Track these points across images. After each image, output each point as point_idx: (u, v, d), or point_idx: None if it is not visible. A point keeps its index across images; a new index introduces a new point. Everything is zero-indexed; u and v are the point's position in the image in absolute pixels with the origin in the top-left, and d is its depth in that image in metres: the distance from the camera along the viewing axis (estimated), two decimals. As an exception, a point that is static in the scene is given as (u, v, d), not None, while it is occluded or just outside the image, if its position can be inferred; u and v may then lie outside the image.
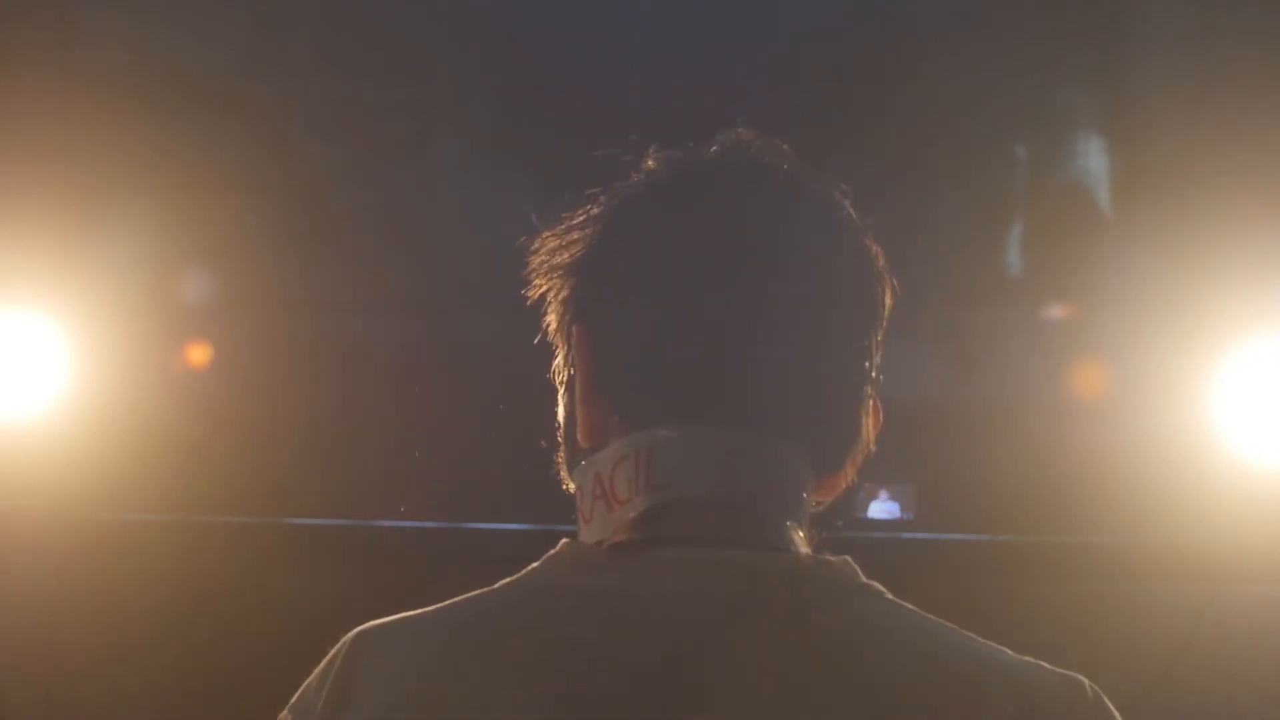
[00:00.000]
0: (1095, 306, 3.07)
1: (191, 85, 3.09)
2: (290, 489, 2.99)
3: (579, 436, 1.20)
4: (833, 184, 1.22)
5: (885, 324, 1.22)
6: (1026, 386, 3.06)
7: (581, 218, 1.24)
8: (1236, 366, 2.88)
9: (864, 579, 1.15)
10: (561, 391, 1.25)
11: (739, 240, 1.18)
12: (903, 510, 2.95)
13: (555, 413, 1.27)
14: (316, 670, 1.15)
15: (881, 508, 2.93)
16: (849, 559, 1.16)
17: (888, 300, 1.22)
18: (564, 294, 1.23)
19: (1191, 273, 2.91)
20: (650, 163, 1.23)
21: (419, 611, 1.15)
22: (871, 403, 1.22)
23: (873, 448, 1.23)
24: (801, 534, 1.17)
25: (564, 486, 1.26)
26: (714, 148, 1.23)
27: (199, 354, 3.09)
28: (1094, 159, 3.18)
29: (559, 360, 1.26)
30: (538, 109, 3.14)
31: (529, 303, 1.26)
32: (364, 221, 3.15)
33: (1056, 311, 3.14)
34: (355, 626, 1.16)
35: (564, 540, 1.18)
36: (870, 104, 3.00)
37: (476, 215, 3.16)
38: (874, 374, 1.21)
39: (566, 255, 1.23)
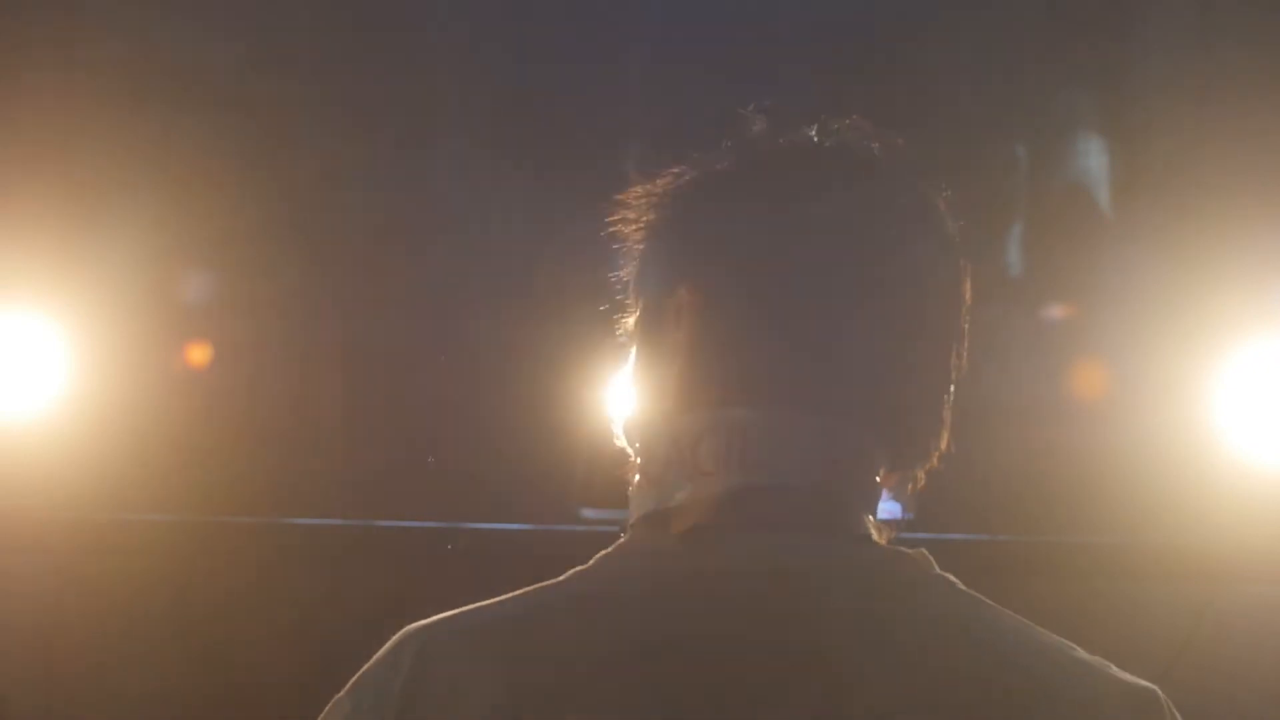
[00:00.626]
0: (1095, 306, 3.07)
1: (192, 84, 3.09)
2: (290, 489, 2.99)
3: (667, 399, 1.18)
4: (927, 178, 1.22)
5: (969, 316, 1.22)
6: (1026, 386, 3.06)
7: (677, 179, 1.22)
8: (1236, 366, 2.88)
9: (937, 570, 1.16)
10: (635, 343, 1.24)
11: (840, 229, 1.17)
12: (903, 510, 2.94)
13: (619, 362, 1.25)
14: (377, 663, 1.11)
15: (882, 508, 2.93)
16: (925, 550, 1.17)
17: (969, 293, 1.22)
18: (661, 251, 1.22)
19: (1191, 273, 2.91)
20: (756, 126, 1.23)
21: (486, 603, 1.13)
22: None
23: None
24: (873, 521, 1.18)
25: (612, 438, 1.24)
26: (825, 129, 1.23)
27: (199, 354, 3.09)
28: (1094, 159, 3.18)
29: (634, 310, 1.24)
30: (538, 109, 3.14)
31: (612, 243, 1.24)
32: (364, 221, 3.15)
33: (1056, 311, 3.13)
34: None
35: (635, 525, 1.16)
36: (870, 104, 2.99)
37: (476, 215, 3.16)
38: (958, 367, 1.22)
39: (657, 215, 1.22)
